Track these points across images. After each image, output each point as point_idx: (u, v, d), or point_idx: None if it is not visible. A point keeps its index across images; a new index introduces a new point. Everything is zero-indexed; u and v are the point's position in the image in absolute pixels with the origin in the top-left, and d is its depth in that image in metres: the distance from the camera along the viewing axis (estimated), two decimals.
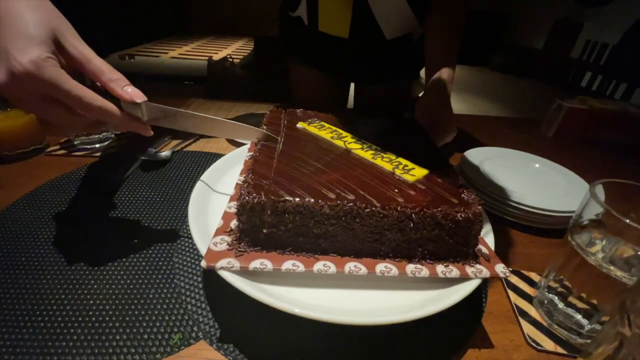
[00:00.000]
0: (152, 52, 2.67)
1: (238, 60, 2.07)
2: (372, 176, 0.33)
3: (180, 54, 2.65)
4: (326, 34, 0.70)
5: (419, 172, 0.34)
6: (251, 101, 0.91)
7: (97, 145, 0.62)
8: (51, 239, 0.41)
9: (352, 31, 0.68)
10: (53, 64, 0.27)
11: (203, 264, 0.27)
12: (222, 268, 0.27)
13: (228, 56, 2.09)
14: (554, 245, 0.47)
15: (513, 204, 0.48)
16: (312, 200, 0.29)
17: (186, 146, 0.65)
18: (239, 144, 0.64)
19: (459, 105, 2.88)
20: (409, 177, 0.33)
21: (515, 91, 3.77)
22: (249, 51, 2.56)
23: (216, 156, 0.62)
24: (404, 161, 0.36)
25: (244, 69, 1.92)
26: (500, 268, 0.30)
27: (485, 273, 0.30)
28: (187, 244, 0.42)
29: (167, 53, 2.66)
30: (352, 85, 0.93)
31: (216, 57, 2.10)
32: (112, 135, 0.65)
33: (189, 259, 0.39)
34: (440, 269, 0.30)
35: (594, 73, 3.23)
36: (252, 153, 0.43)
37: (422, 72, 0.90)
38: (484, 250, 0.32)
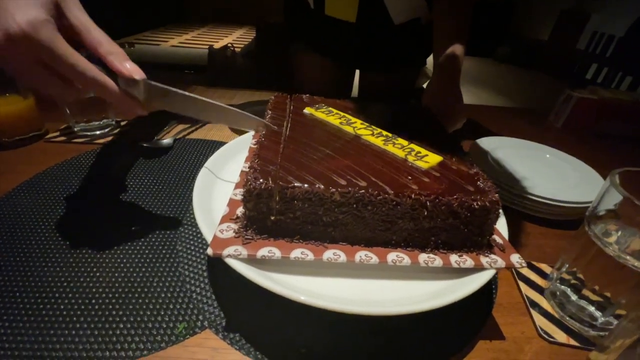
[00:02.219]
0: (152, 40, 2.63)
1: (239, 49, 2.04)
2: (384, 163, 0.32)
3: (181, 43, 2.61)
4: (333, 18, 0.68)
5: (433, 159, 0.33)
6: (253, 89, 0.89)
7: (98, 132, 0.61)
8: (52, 226, 0.40)
9: (360, 15, 0.66)
10: (51, 27, 0.25)
11: (209, 251, 0.26)
12: (229, 256, 0.27)
13: (229, 44, 2.05)
14: (565, 237, 0.46)
15: (523, 194, 0.47)
16: (322, 186, 0.28)
17: (188, 134, 0.64)
18: (241, 132, 0.63)
19: (463, 96, 2.84)
20: (422, 164, 0.32)
21: (520, 83, 3.72)
22: (250, 39, 2.51)
23: (219, 144, 0.61)
24: (416, 147, 0.35)
25: (245, 57, 1.89)
26: (515, 258, 0.30)
27: (501, 263, 0.29)
28: (190, 232, 0.41)
29: (167, 41, 2.62)
30: (357, 73, 0.91)
31: (217, 46, 2.06)
32: (113, 123, 0.64)
33: (192, 248, 0.38)
34: (454, 258, 0.29)
35: (600, 65, 3.19)
36: (257, 139, 0.42)
37: (429, 61, 0.88)
38: (498, 240, 0.31)
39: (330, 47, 0.76)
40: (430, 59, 0.87)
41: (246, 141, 0.46)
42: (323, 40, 0.76)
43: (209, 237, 0.28)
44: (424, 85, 0.88)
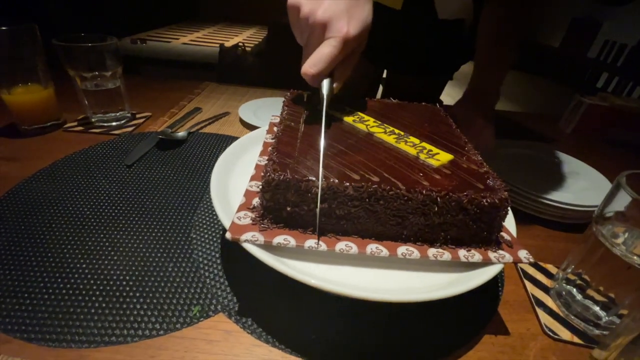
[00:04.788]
0: (163, 37, 2.65)
1: (250, 48, 2.06)
2: (396, 159, 0.33)
3: (192, 40, 2.63)
4: (377, 5, 0.69)
5: (444, 157, 0.33)
6: (264, 87, 0.90)
7: (114, 124, 0.63)
8: (71, 211, 0.42)
9: (406, 3, 0.66)
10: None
11: (228, 235, 0.28)
12: (246, 241, 0.28)
13: (240, 43, 2.07)
14: (571, 239, 0.46)
15: (531, 196, 0.48)
16: (337, 180, 0.28)
17: (202, 128, 0.65)
18: (253, 128, 0.64)
19: None
20: (433, 162, 0.33)
21: (530, 89, 3.70)
22: (261, 39, 2.53)
23: (231, 139, 0.62)
24: (427, 146, 0.35)
25: (256, 56, 1.90)
26: (523, 254, 0.30)
27: (508, 258, 0.30)
28: (204, 221, 0.42)
29: (178, 39, 2.64)
30: (380, 86, 0.91)
31: (228, 44, 2.08)
32: (129, 114, 0.66)
33: (206, 235, 0.40)
34: (462, 253, 0.30)
35: (610, 74, 3.16)
36: (271, 135, 0.43)
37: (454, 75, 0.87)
38: (506, 237, 0.32)
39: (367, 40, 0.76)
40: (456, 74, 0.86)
41: (257, 136, 0.47)
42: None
43: (226, 223, 0.29)
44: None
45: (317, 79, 0.34)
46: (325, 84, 0.35)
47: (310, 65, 0.33)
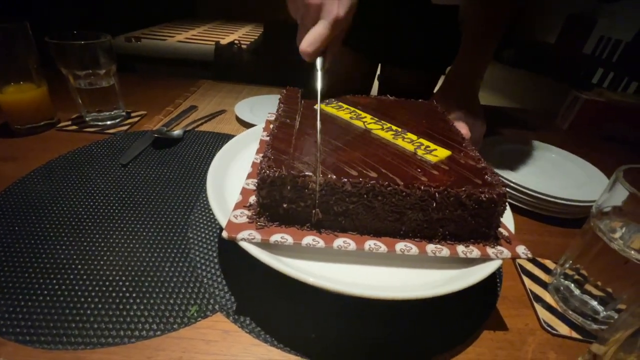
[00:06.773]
0: (158, 35, 2.63)
1: (245, 46, 2.05)
2: (394, 156, 0.33)
3: (187, 38, 2.61)
4: None
5: (442, 153, 0.33)
6: (260, 84, 0.90)
7: (108, 123, 0.62)
8: (66, 211, 0.41)
9: None
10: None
11: (225, 234, 0.27)
12: (243, 239, 0.27)
13: (235, 41, 2.06)
14: (569, 234, 0.46)
15: (529, 192, 0.48)
16: (334, 176, 0.28)
17: (198, 126, 0.65)
18: (249, 125, 0.64)
19: None
20: (431, 158, 0.33)
21: (526, 86, 3.71)
22: (256, 36, 2.52)
23: (227, 137, 0.62)
24: (425, 142, 0.35)
25: (252, 54, 1.89)
26: (521, 249, 0.30)
27: (507, 254, 0.30)
28: (201, 220, 0.42)
29: (173, 37, 2.62)
30: (376, 82, 0.91)
31: (224, 42, 2.07)
32: (123, 113, 0.65)
33: (203, 234, 0.39)
34: (460, 249, 0.30)
35: (606, 70, 3.17)
36: (268, 132, 0.42)
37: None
38: (505, 233, 0.32)
39: (360, 31, 0.71)
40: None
41: (254, 134, 0.47)
42: (354, 21, 0.75)
43: (223, 222, 0.29)
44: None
45: (313, 56, 0.40)
46: (319, 60, 0.40)
47: (308, 45, 0.38)
